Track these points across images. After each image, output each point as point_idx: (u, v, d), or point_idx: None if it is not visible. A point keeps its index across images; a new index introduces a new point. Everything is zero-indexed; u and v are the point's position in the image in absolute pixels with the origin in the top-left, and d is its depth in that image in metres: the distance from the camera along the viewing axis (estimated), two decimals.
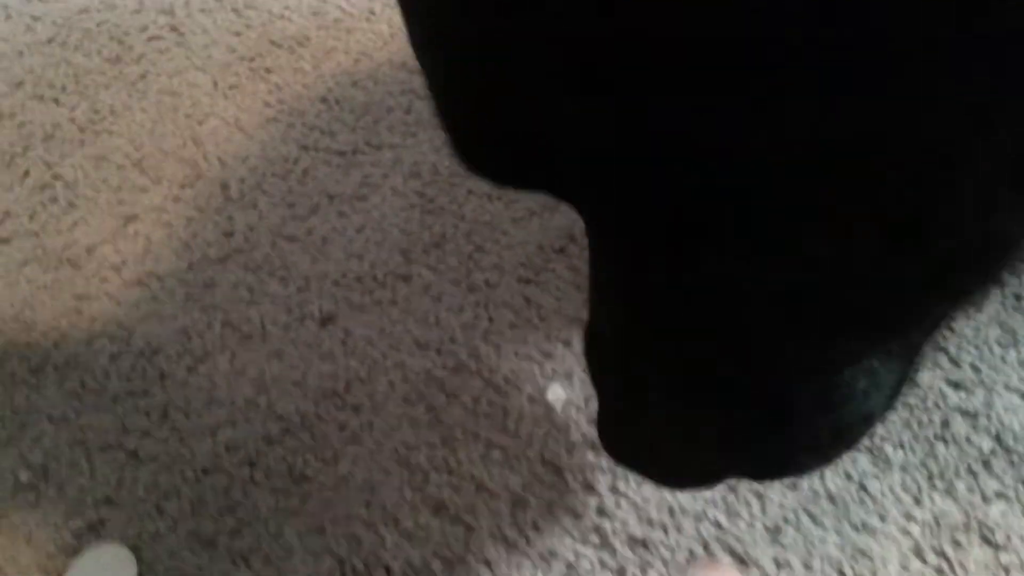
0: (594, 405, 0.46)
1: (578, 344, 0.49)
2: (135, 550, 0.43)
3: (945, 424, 0.47)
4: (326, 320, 0.50)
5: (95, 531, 0.44)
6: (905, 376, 0.32)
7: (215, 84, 0.59)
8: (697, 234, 0.22)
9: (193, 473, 0.46)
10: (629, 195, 0.22)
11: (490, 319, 0.50)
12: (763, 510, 0.44)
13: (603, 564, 0.42)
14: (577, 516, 0.44)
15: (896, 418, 0.47)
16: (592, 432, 0.46)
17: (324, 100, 0.57)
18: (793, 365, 0.27)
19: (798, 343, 0.26)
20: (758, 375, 0.28)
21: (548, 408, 0.47)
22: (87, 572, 0.43)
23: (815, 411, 0.29)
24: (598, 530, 0.43)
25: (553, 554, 0.43)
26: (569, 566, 0.42)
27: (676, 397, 0.30)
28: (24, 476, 0.46)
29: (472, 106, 0.24)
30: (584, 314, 0.49)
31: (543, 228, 0.53)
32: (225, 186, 0.54)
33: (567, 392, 0.48)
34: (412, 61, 0.55)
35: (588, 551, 0.43)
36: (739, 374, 0.28)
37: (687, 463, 0.34)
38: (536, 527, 0.43)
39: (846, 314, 0.24)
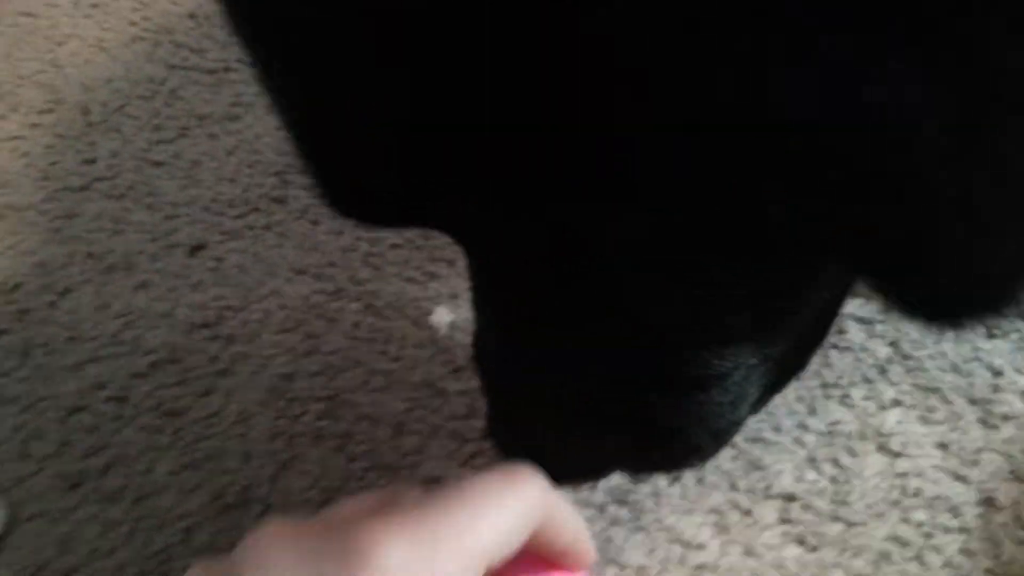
0: None
1: (463, 263, 0.47)
2: (3, 494, 0.41)
3: (840, 332, 0.46)
4: (196, 248, 0.48)
5: None
6: (774, 385, 0.36)
7: (75, 3, 0.55)
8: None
9: (58, 413, 0.43)
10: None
11: (371, 241, 0.48)
12: None
13: None
14: (462, 440, 0.42)
15: None
16: None
17: (192, 16, 0.54)
18: (667, 383, 0.30)
19: (669, 359, 0.29)
20: (637, 398, 0.31)
21: (432, 331, 0.45)
22: None
23: (691, 426, 0.32)
24: (483, 453, 0.42)
25: (436, 480, 0.41)
26: None
27: (560, 416, 0.33)
28: None
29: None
30: None
31: None
32: (86, 111, 0.51)
33: (452, 314, 0.46)
34: None
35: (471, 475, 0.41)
36: (619, 399, 0.31)
37: (574, 465, 0.35)
38: (419, 452, 0.42)
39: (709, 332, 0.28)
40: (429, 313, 0.46)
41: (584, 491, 0.41)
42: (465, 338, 0.45)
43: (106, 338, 0.45)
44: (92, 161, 0.50)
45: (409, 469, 0.41)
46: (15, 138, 0.51)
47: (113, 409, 0.43)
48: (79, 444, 0.42)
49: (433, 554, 0.26)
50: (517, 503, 0.29)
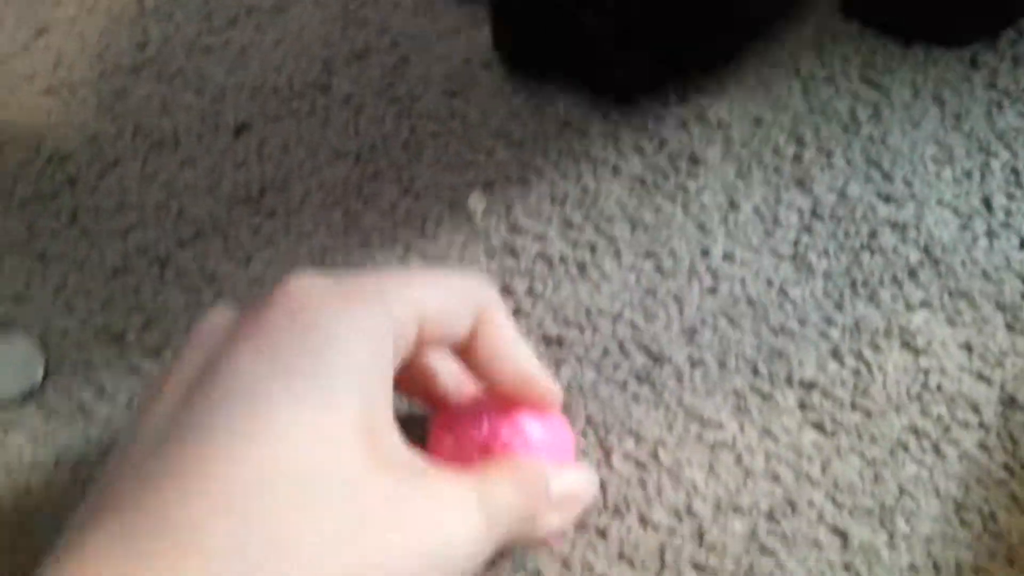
0: (514, 213, 0.46)
1: (501, 153, 0.48)
2: (43, 346, 0.43)
3: (873, 235, 0.46)
4: (241, 129, 0.49)
5: (3, 327, 0.43)
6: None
7: None
8: None
9: (103, 273, 0.45)
10: None
11: (412, 129, 0.49)
12: (680, 312, 0.43)
13: None
14: None
15: (822, 228, 0.46)
16: (511, 239, 0.46)
17: None
18: None
19: None
20: None
21: (468, 215, 0.46)
22: None
23: None
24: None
25: None
26: None
27: None
28: None
29: None
30: (511, 127, 0.48)
31: (470, 43, 0.51)
32: None
33: (487, 200, 0.47)
34: None
35: None
36: None
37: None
38: None
39: None
40: (466, 198, 0.47)
41: (607, 369, 0.41)
42: (499, 223, 0.46)
43: (151, 207, 0.47)
44: (144, 45, 0.52)
45: None
46: (72, 20, 0.53)
47: (156, 272, 0.45)
48: (121, 302, 0.44)
49: (362, 292, 0.28)
50: (460, 280, 0.31)
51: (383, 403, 0.28)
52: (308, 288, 0.28)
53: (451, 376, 0.36)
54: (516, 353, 0.33)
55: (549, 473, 0.32)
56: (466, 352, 0.33)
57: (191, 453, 0.24)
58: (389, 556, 0.25)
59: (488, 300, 0.32)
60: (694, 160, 0.48)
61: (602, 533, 0.38)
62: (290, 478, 0.24)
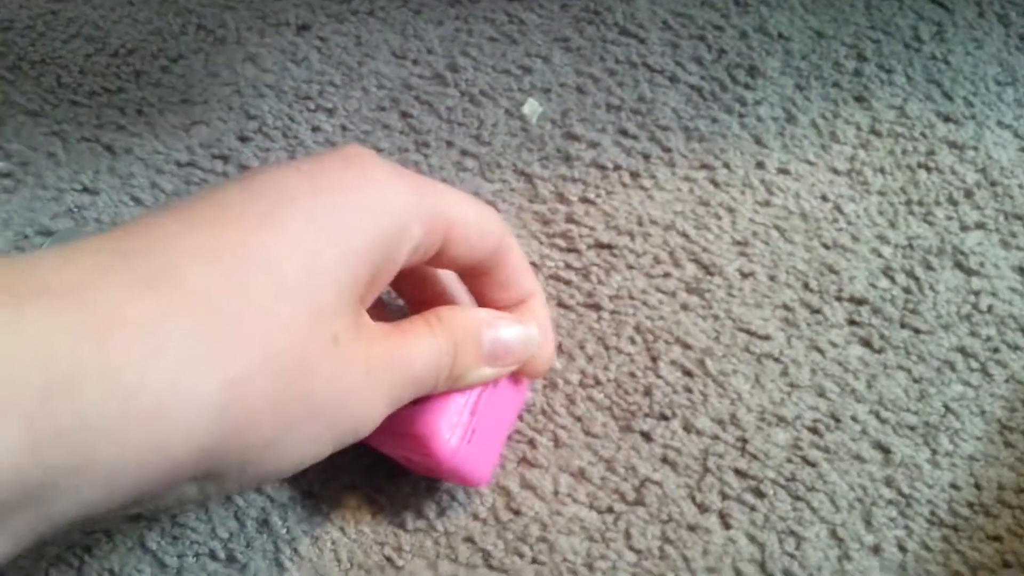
0: (569, 120, 0.43)
1: (558, 59, 0.46)
2: None
3: (931, 153, 0.43)
4: (302, 28, 0.47)
5: (71, 216, 0.42)
6: None
7: None
8: None
9: (168, 166, 0.43)
10: None
11: (469, 32, 0.46)
12: (733, 224, 0.41)
13: (568, 265, 0.40)
14: (546, 222, 0.41)
15: (880, 145, 0.43)
16: (566, 145, 0.43)
17: None
18: None
19: None
20: None
21: (524, 121, 0.44)
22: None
23: None
24: (565, 235, 0.41)
25: None
26: (534, 265, 0.40)
27: None
28: (2, 166, 0.43)
29: None
30: (569, 33, 0.45)
31: None
32: None
33: (543, 107, 0.44)
34: None
35: (554, 253, 0.40)
36: None
37: None
38: None
39: None
40: (522, 104, 0.44)
41: (657, 277, 0.39)
42: (554, 130, 0.44)
43: (215, 103, 0.45)
44: None
45: None
46: None
47: (219, 167, 0.43)
48: (186, 195, 0.42)
49: (409, 176, 0.28)
50: (481, 204, 0.30)
51: (380, 262, 0.27)
52: (369, 153, 0.28)
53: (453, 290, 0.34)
54: (530, 297, 0.32)
55: (483, 325, 0.31)
56: (478, 278, 0.32)
57: (199, 213, 0.24)
58: (316, 385, 0.25)
59: (506, 232, 0.31)
60: (752, 72, 0.45)
61: (647, 436, 0.36)
62: (273, 271, 0.24)
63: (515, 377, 0.34)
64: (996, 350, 0.38)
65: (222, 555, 0.34)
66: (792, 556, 0.34)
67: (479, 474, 0.33)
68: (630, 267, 0.40)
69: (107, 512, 0.22)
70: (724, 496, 0.35)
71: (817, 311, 0.39)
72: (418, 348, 0.28)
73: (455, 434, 0.31)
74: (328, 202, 0.25)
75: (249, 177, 0.26)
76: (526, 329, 0.32)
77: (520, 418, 0.37)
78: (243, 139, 0.44)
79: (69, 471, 0.20)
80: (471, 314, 0.31)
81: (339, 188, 0.26)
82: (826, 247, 0.40)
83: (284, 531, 0.35)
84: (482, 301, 0.33)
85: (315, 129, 0.44)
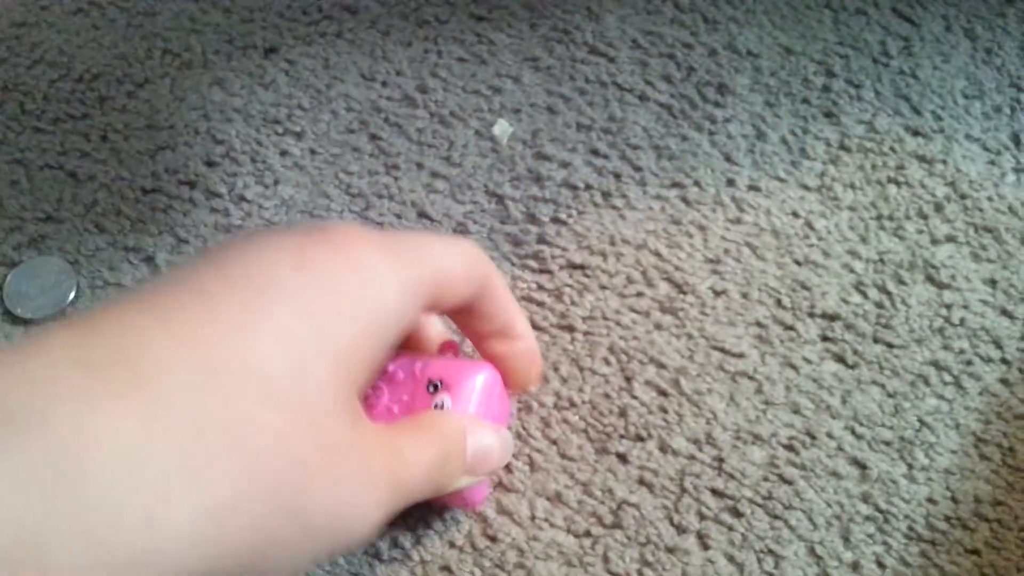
0: (540, 140, 0.43)
1: (528, 79, 0.46)
2: (74, 264, 0.41)
3: (900, 168, 0.43)
4: (269, 51, 0.47)
5: (35, 246, 0.42)
6: None
7: None
8: None
9: (133, 193, 0.43)
10: None
11: (439, 53, 0.47)
12: (705, 242, 0.41)
13: (540, 287, 0.40)
14: (517, 243, 0.41)
15: (849, 160, 0.43)
16: (537, 166, 0.43)
17: None
18: None
19: None
20: None
21: (494, 142, 0.44)
22: (25, 282, 0.40)
23: None
24: (537, 256, 0.41)
25: None
26: None
27: None
28: None
29: None
30: (538, 53, 0.45)
31: None
32: None
33: (513, 127, 0.44)
34: None
35: (527, 275, 0.40)
36: None
37: None
38: None
39: None
40: (492, 125, 0.44)
41: (631, 297, 0.40)
42: (525, 150, 0.44)
43: (181, 128, 0.45)
44: None
45: None
46: None
47: (185, 193, 0.43)
48: (151, 223, 0.42)
49: (395, 248, 0.27)
50: (463, 246, 0.30)
51: (373, 358, 0.26)
52: (356, 232, 0.26)
53: (438, 336, 0.34)
54: (506, 301, 0.32)
55: (467, 431, 0.30)
56: (464, 313, 0.31)
57: (176, 309, 0.22)
58: (312, 498, 0.23)
59: (489, 269, 0.31)
60: (722, 89, 0.45)
61: (623, 458, 0.36)
62: (264, 381, 0.22)
63: (505, 393, 0.34)
64: (969, 363, 0.38)
65: None
66: (771, 575, 0.34)
67: (479, 496, 0.33)
68: (603, 287, 0.40)
69: None
70: (702, 516, 0.35)
71: (790, 328, 0.39)
72: (414, 463, 0.27)
73: None
74: (317, 293, 0.24)
75: (228, 256, 0.24)
76: (502, 435, 0.32)
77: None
78: (210, 164, 0.43)
79: None
80: (457, 421, 0.30)
81: (329, 278, 0.24)
82: (798, 263, 0.41)
83: None
84: (468, 331, 0.33)
85: (283, 153, 0.44)
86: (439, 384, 0.31)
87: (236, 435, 0.21)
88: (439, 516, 0.35)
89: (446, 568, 0.34)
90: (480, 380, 0.32)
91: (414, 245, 0.28)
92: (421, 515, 0.34)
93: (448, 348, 0.34)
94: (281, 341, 0.23)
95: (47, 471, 0.18)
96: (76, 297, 0.40)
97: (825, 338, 0.39)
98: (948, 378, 0.38)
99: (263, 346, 0.22)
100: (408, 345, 0.33)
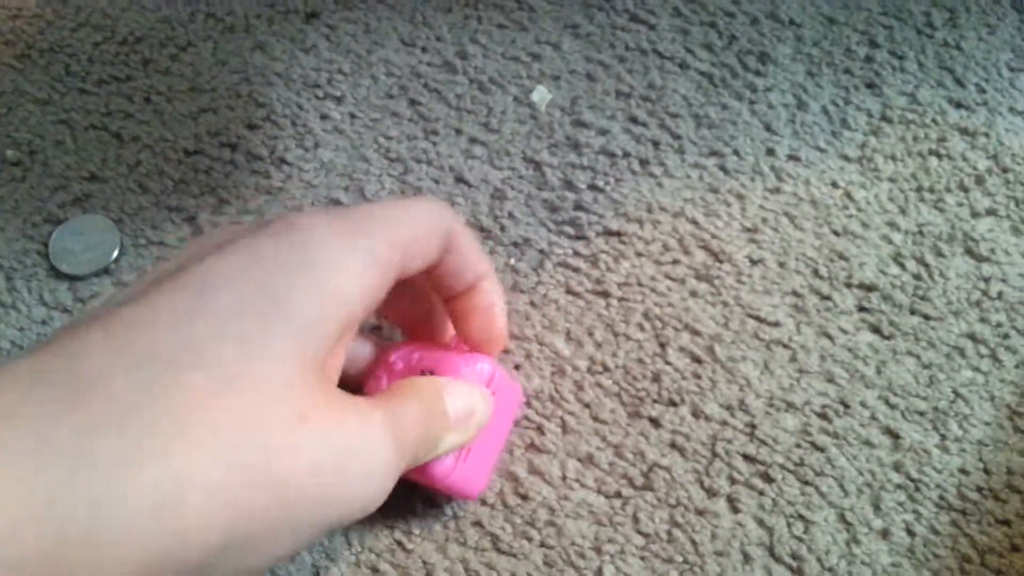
0: (578, 107, 0.44)
1: (568, 46, 0.46)
2: (117, 223, 0.42)
3: (942, 140, 0.44)
4: (310, 16, 0.48)
5: (79, 204, 0.43)
6: None
7: None
8: None
9: (175, 154, 0.44)
10: None
11: (479, 19, 0.47)
12: (742, 211, 0.42)
13: (577, 253, 0.41)
14: (554, 210, 0.42)
15: (890, 131, 0.44)
16: (575, 133, 0.44)
17: None
18: None
19: None
20: None
21: (533, 108, 0.45)
22: (70, 239, 0.42)
23: None
24: (574, 223, 0.42)
25: (527, 241, 0.41)
26: (542, 252, 0.41)
27: None
28: (11, 154, 0.44)
29: None
30: (578, 20, 0.46)
31: None
32: None
33: (552, 94, 0.45)
34: None
35: (563, 240, 0.41)
36: None
37: None
38: (512, 217, 0.42)
39: None
40: (531, 91, 0.45)
41: (667, 264, 0.40)
42: (563, 117, 0.44)
43: (223, 91, 0.46)
44: None
45: (502, 232, 0.41)
46: None
47: (227, 155, 0.44)
48: (194, 184, 0.43)
49: (349, 224, 0.27)
50: (421, 206, 0.30)
51: (335, 335, 0.26)
52: (304, 218, 0.27)
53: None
54: (474, 253, 0.32)
55: (444, 389, 0.30)
56: (431, 270, 0.32)
57: (118, 317, 0.23)
58: (294, 469, 0.23)
59: (453, 223, 0.31)
60: (763, 58, 0.46)
61: (655, 422, 0.37)
62: (209, 362, 0.23)
63: (508, 386, 0.34)
64: (1006, 336, 0.39)
65: None
66: (800, 540, 0.34)
67: (473, 488, 0.33)
68: (639, 254, 0.41)
69: None
70: (732, 481, 0.36)
71: (827, 298, 0.39)
72: (407, 413, 0.28)
73: (449, 456, 0.32)
74: (269, 279, 0.24)
75: (180, 267, 0.25)
76: (478, 392, 0.32)
77: (516, 423, 0.37)
78: (251, 127, 0.44)
79: None
80: (431, 382, 0.30)
81: (279, 265, 0.25)
82: (836, 234, 0.41)
83: None
84: (440, 292, 0.33)
85: (324, 117, 0.45)
86: (431, 374, 0.32)
87: (188, 419, 0.21)
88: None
89: (478, 524, 0.35)
90: (476, 370, 0.32)
91: (369, 216, 0.28)
92: None
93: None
94: (230, 329, 0.23)
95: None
96: (120, 254, 0.41)
97: (861, 308, 0.39)
98: (984, 351, 0.38)
99: (211, 337, 0.23)
100: (400, 312, 0.34)
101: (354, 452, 0.25)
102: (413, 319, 0.35)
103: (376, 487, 0.26)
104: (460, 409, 0.31)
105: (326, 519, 0.24)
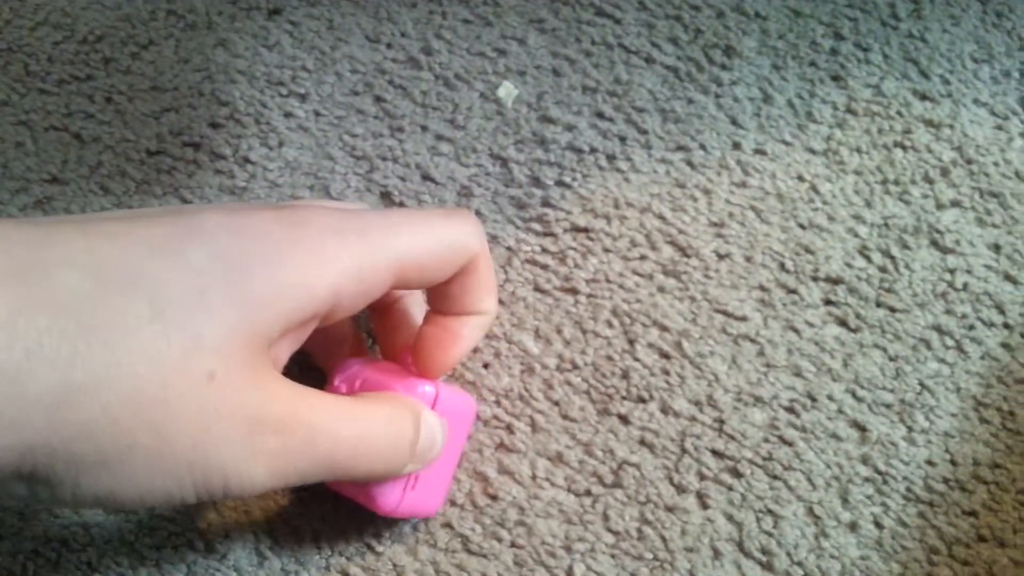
0: (545, 102, 0.44)
1: (533, 41, 0.46)
2: None
3: (907, 132, 0.44)
4: (273, 12, 0.47)
5: (40, 207, 0.42)
6: None
7: None
8: None
9: (138, 155, 0.43)
10: None
11: (443, 15, 0.47)
12: (709, 206, 0.42)
13: (544, 249, 0.41)
14: (521, 206, 0.42)
15: (856, 124, 0.44)
16: (541, 129, 0.44)
17: None
18: None
19: None
20: None
21: (499, 104, 0.44)
22: None
23: None
24: (541, 219, 0.41)
25: (495, 239, 0.41)
26: (510, 250, 0.41)
27: None
28: None
29: None
30: (544, 15, 0.46)
31: None
32: None
33: (518, 89, 0.45)
34: None
35: (530, 237, 0.41)
36: None
37: None
38: (479, 214, 0.41)
39: None
40: (496, 87, 0.45)
41: (634, 260, 0.40)
42: (529, 113, 0.44)
43: (185, 90, 0.45)
44: None
45: None
46: None
47: (190, 154, 0.43)
48: (156, 185, 0.43)
49: (354, 232, 0.27)
50: (443, 231, 0.29)
51: (286, 322, 0.26)
52: (321, 212, 0.27)
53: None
54: (489, 279, 0.32)
55: (422, 416, 0.30)
56: (436, 287, 0.31)
57: (103, 222, 0.24)
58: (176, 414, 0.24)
59: (476, 250, 0.30)
60: (729, 52, 0.46)
61: (624, 419, 0.37)
62: (149, 282, 0.23)
63: (459, 403, 0.33)
64: (971, 327, 0.39)
65: (201, 546, 0.35)
66: (769, 534, 0.34)
67: (426, 511, 0.33)
68: (607, 250, 0.40)
69: None
70: (702, 477, 0.36)
71: (793, 291, 0.39)
72: (348, 428, 0.27)
73: (395, 490, 0.31)
74: (245, 248, 0.25)
75: (179, 209, 0.26)
76: (443, 427, 0.31)
77: (485, 423, 0.37)
78: (214, 126, 0.44)
79: None
80: (414, 404, 0.30)
81: (264, 243, 0.25)
82: (802, 227, 0.41)
83: (263, 520, 0.35)
84: (431, 301, 0.33)
85: (288, 115, 0.44)
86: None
87: (107, 332, 0.22)
88: None
89: (447, 525, 0.35)
90: (418, 393, 0.31)
91: (381, 229, 0.28)
92: None
93: None
94: (187, 274, 0.24)
95: None
96: None
97: (828, 302, 0.39)
98: (950, 342, 0.38)
99: (168, 272, 0.24)
100: (388, 331, 0.34)
101: (230, 441, 0.25)
102: (398, 335, 0.34)
103: (247, 484, 0.26)
104: (428, 439, 0.30)
105: (188, 482, 0.25)
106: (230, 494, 0.25)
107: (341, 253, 0.27)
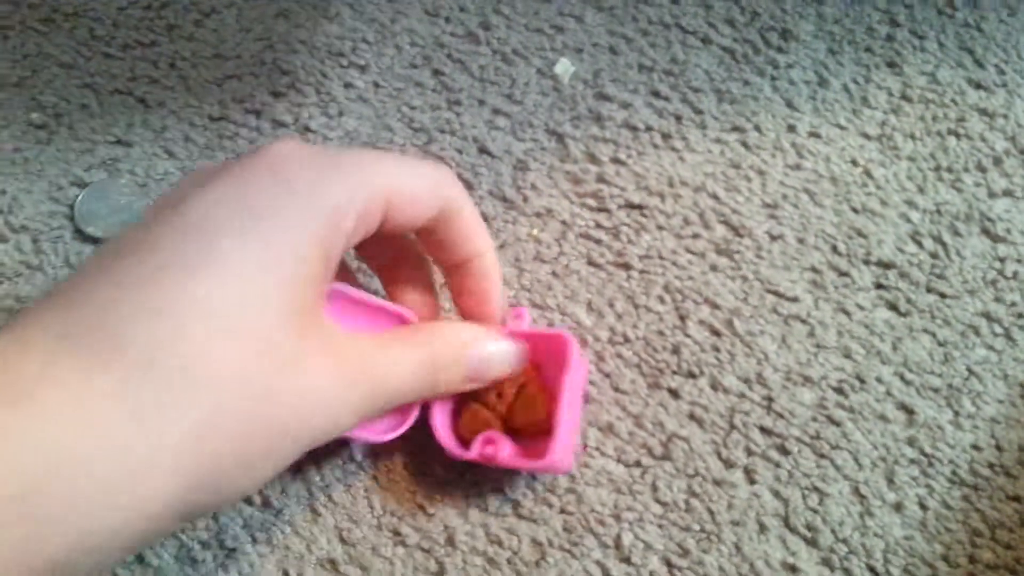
0: (601, 80, 0.44)
1: (591, 18, 0.46)
2: (143, 187, 0.42)
3: (961, 120, 0.44)
4: None
5: (105, 168, 0.43)
6: None
7: None
8: None
9: (201, 120, 0.44)
10: None
11: None
12: (763, 187, 0.42)
13: (598, 225, 0.41)
14: (576, 182, 0.42)
15: (910, 110, 0.44)
16: (597, 106, 0.44)
17: None
18: None
19: None
20: None
21: (556, 80, 0.45)
22: (96, 202, 0.42)
23: None
24: (596, 195, 0.42)
25: (550, 212, 0.41)
26: (564, 224, 0.41)
27: None
28: (36, 117, 0.44)
29: None
30: None
31: None
32: None
33: (575, 66, 0.45)
34: None
35: (584, 212, 0.41)
36: None
37: None
38: (535, 188, 0.42)
39: None
40: (554, 63, 0.45)
41: (687, 238, 0.40)
42: (586, 90, 0.44)
43: (247, 57, 0.45)
44: None
45: (524, 202, 0.42)
46: None
47: (252, 121, 0.44)
48: (219, 150, 0.43)
49: (333, 164, 0.28)
50: (425, 167, 0.30)
51: (320, 272, 0.27)
52: (290, 151, 0.28)
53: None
54: (472, 225, 0.32)
55: (467, 347, 0.32)
56: (425, 238, 0.32)
57: (132, 270, 0.25)
58: (281, 408, 0.26)
59: (455, 192, 0.31)
60: (785, 35, 0.46)
61: (674, 394, 0.37)
62: (211, 314, 0.24)
63: (582, 360, 0.35)
64: (1020, 315, 0.39)
65: (258, 500, 0.36)
66: (815, 511, 0.35)
67: (567, 466, 0.34)
68: (660, 227, 0.41)
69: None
70: (749, 452, 0.36)
71: (845, 274, 0.40)
72: (397, 364, 0.30)
73: (559, 442, 0.33)
74: (257, 228, 0.26)
75: (176, 206, 0.26)
76: (506, 346, 0.33)
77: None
78: (275, 94, 0.44)
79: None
80: (456, 334, 0.32)
81: (267, 209, 0.26)
82: (855, 211, 0.41)
83: (318, 478, 0.36)
84: (438, 262, 0.34)
85: (347, 85, 0.44)
86: None
87: (195, 370, 0.24)
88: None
89: (498, 490, 0.36)
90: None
91: (358, 161, 0.29)
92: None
93: (517, 316, 0.35)
94: (227, 280, 0.25)
95: (43, 436, 0.22)
96: None
97: (879, 285, 0.39)
98: (999, 329, 0.39)
99: (212, 288, 0.25)
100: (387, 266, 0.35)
101: (325, 401, 0.27)
102: (402, 280, 0.35)
103: (336, 431, 0.28)
104: (483, 360, 0.33)
105: (295, 452, 0.27)
106: (320, 444, 0.28)
107: (339, 189, 0.28)
